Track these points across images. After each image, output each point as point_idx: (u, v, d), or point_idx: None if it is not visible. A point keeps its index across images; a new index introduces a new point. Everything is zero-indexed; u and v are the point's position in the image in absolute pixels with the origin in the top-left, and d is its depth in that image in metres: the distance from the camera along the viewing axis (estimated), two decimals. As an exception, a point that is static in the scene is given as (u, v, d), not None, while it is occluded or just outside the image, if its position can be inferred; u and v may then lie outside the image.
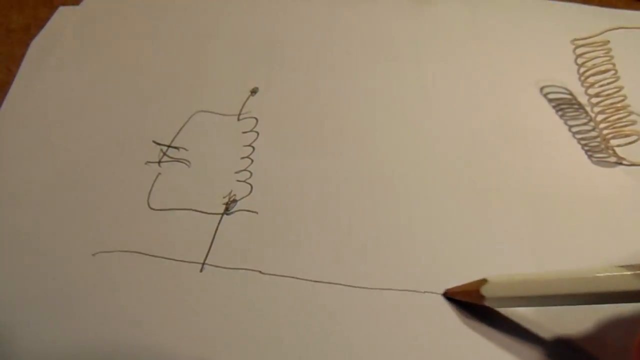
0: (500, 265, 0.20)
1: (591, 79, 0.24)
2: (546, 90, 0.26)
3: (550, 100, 0.26)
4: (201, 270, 0.19)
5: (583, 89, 0.24)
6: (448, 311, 0.19)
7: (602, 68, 0.24)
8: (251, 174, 0.22)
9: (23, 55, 0.27)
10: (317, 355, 0.18)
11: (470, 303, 0.19)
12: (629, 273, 0.16)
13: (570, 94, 0.26)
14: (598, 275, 0.16)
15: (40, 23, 0.28)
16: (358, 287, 0.19)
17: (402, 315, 0.18)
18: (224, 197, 0.21)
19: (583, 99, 0.25)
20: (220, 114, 0.24)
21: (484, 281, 0.18)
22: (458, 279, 0.19)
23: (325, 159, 0.23)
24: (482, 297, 0.18)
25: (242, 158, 0.23)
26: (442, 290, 0.19)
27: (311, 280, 0.19)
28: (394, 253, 0.20)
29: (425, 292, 0.19)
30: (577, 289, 0.16)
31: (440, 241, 0.20)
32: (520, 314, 0.18)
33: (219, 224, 0.21)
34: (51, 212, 0.21)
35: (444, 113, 0.25)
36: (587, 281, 0.16)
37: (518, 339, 0.18)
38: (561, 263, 0.20)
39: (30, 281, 0.19)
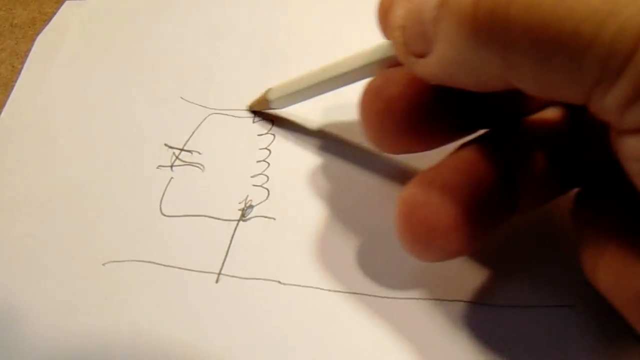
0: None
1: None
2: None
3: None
4: (217, 281, 0.19)
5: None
6: (480, 318, 0.18)
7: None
8: (268, 178, 0.21)
9: (28, 51, 0.26)
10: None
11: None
12: (378, 45, 0.17)
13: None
14: (362, 52, 0.18)
15: (45, 18, 0.28)
16: (383, 297, 0.18)
17: (431, 325, 0.18)
18: (239, 203, 0.20)
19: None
20: (234, 116, 0.23)
21: (269, 89, 0.22)
22: (489, 283, 0.18)
23: (346, 161, 0.22)
24: (267, 101, 0.22)
25: (258, 161, 0.22)
26: (470, 298, 0.18)
27: (334, 291, 0.18)
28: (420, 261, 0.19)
29: (453, 300, 0.18)
30: (332, 73, 0.19)
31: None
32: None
33: (234, 231, 0.20)
34: (58, 218, 0.20)
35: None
36: (353, 59, 0.18)
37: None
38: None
39: (36, 293, 0.18)
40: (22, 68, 0.25)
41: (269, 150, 0.22)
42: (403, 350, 0.17)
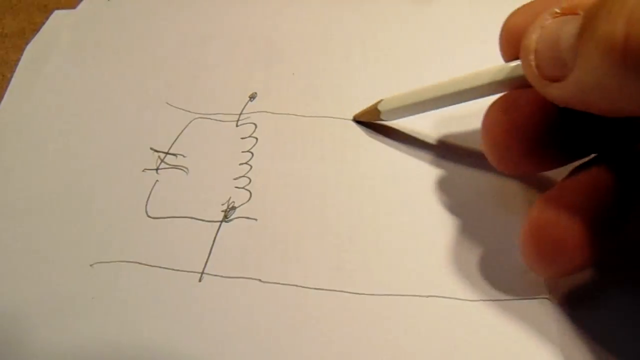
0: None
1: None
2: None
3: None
4: (200, 280, 0.19)
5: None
6: (454, 314, 0.18)
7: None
8: (250, 180, 0.22)
9: (17, 60, 0.26)
10: (318, 365, 0.17)
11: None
12: (502, 66, 0.18)
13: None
14: (486, 70, 0.18)
15: (34, 27, 0.28)
16: (360, 293, 0.19)
17: (406, 321, 0.18)
18: (222, 204, 0.21)
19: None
20: (218, 120, 0.24)
21: (380, 100, 0.22)
22: (463, 281, 0.19)
23: (325, 164, 0.22)
24: (379, 112, 0.22)
25: (241, 164, 0.22)
26: (447, 294, 0.19)
27: (312, 288, 0.19)
28: (395, 258, 0.20)
29: (429, 296, 0.19)
30: (451, 89, 0.19)
31: (444, 245, 0.20)
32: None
33: (217, 231, 0.20)
34: (47, 221, 0.21)
35: (444, 114, 0.24)
36: (463, 80, 0.19)
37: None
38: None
39: (25, 293, 0.19)
40: (12, 77, 0.26)
41: (252, 153, 0.23)
42: (384, 343, 0.18)
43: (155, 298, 0.19)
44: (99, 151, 0.23)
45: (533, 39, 0.15)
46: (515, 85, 0.18)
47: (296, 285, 0.19)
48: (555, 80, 0.14)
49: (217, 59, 0.26)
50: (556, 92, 0.15)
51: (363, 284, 0.19)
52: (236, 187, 0.22)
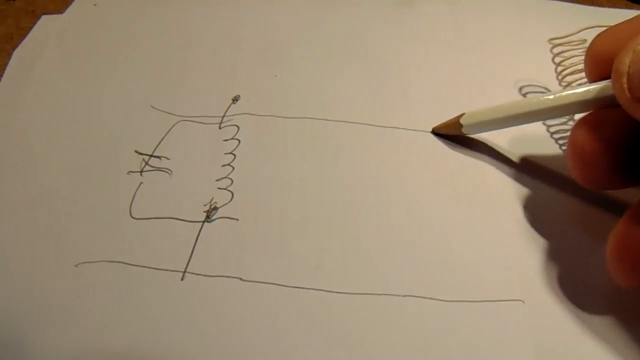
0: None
1: (568, 78, 0.24)
2: (525, 90, 0.26)
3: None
4: (182, 279, 0.20)
5: (561, 89, 0.25)
6: (430, 314, 0.19)
7: (579, 67, 0.24)
8: (232, 181, 0.22)
9: (5, 65, 0.27)
10: (296, 361, 0.18)
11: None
12: (589, 86, 0.19)
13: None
14: (555, 94, 0.20)
15: (22, 32, 0.29)
16: (339, 292, 0.19)
17: (383, 320, 0.19)
18: (204, 205, 0.22)
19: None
20: (201, 123, 0.24)
21: (462, 114, 0.23)
22: (439, 279, 0.20)
23: (307, 166, 0.23)
24: (461, 125, 0.22)
25: (223, 166, 0.23)
26: (422, 294, 0.19)
27: (291, 287, 0.19)
28: (373, 258, 0.20)
29: (405, 295, 0.19)
30: (538, 106, 0.20)
31: (422, 245, 0.21)
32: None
33: (199, 231, 0.21)
34: (34, 222, 0.21)
35: (424, 116, 0.25)
36: (551, 97, 0.20)
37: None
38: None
39: (10, 293, 0.19)
40: (0, 81, 0.26)
41: (234, 154, 0.23)
42: (362, 342, 0.18)
43: (138, 297, 0.19)
44: (85, 154, 0.23)
45: (626, 62, 0.16)
46: (602, 105, 0.18)
47: (276, 284, 0.20)
48: None
49: (200, 63, 0.27)
50: None
51: (342, 283, 0.20)
52: (218, 188, 0.22)
